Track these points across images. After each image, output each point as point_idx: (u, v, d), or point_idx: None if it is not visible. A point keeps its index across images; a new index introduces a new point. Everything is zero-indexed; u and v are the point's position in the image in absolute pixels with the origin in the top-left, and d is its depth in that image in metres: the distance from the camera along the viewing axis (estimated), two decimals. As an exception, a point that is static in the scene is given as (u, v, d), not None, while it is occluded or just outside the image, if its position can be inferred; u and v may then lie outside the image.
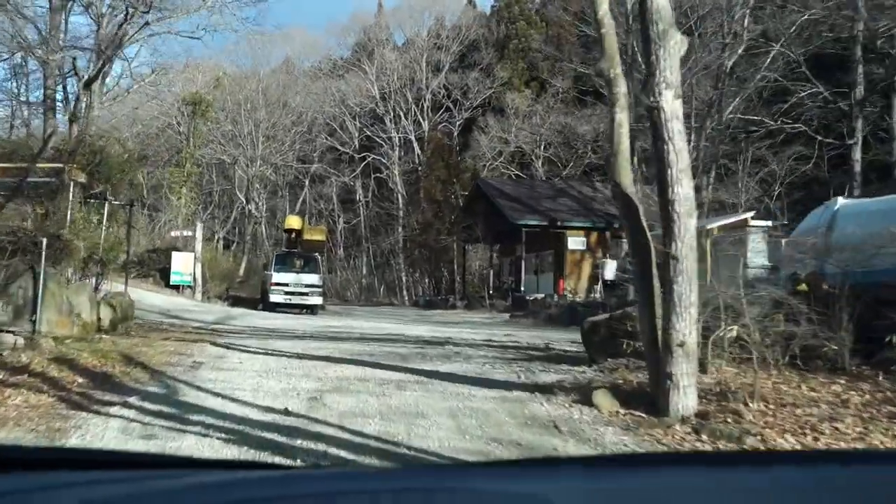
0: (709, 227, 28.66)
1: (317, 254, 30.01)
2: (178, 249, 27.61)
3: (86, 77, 33.86)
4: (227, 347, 12.09)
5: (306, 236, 29.16)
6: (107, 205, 16.56)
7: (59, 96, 38.38)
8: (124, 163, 19.65)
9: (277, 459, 5.59)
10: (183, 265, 26.05)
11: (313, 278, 29.03)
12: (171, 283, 26.22)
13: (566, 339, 17.14)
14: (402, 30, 63.77)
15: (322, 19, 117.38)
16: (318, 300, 28.95)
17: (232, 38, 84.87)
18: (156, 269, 26.66)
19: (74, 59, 34.52)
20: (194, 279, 26.17)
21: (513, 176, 51.29)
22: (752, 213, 29.26)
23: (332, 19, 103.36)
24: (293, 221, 30.46)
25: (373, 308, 39.79)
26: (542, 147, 55.86)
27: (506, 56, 61.12)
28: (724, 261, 29.73)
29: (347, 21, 67.84)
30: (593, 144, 53.86)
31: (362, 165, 58.33)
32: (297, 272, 29.21)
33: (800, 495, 1.38)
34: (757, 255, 28.54)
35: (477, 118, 57.19)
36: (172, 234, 29.73)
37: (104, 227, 16.09)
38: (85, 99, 34.86)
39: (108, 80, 46.25)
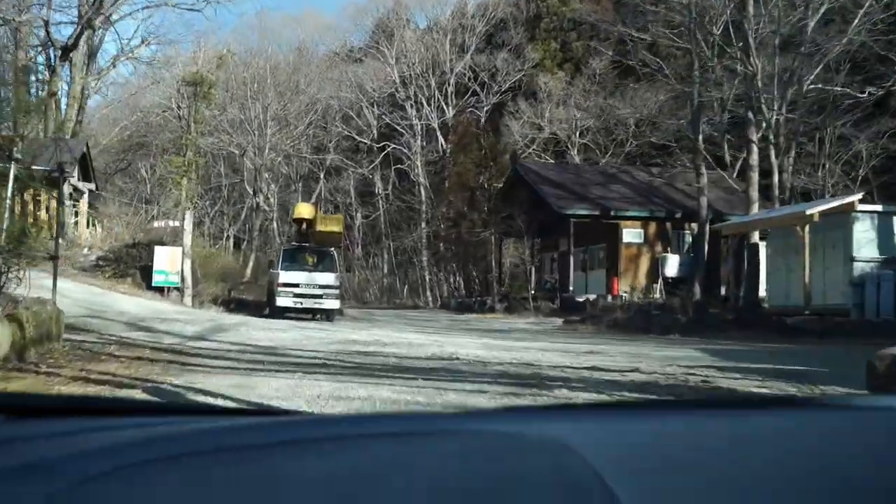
0: (808, 212, 23.59)
1: (332, 248, 25.11)
2: (163, 243, 22.79)
3: (64, 45, 29.11)
4: (174, 391, 7.17)
5: (320, 227, 24.18)
6: (12, 169, 11.40)
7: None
8: (37, 102, 14.60)
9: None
10: (168, 262, 21.20)
11: (328, 278, 24.14)
12: (153, 285, 21.40)
13: (690, 361, 12.21)
14: (423, 10, 58.76)
15: (336, 2, 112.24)
16: (334, 304, 24.08)
17: (238, 15, 79.59)
18: (135, 267, 21.87)
19: (47, 21, 30.00)
20: (182, 279, 21.32)
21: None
22: (859, 196, 24.17)
23: (347, 2, 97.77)
24: (303, 210, 25.44)
25: (396, 312, 34.86)
26: (579, 133, 51.00)
27: (537, 36, 56.17)
28: (828, 252, 24.73)
29: (365, 1, 62.59)
30: (635, 130, 49.00)
31: (382, 156, 53.45)
32: (310, 270, 24.34)
33: (833, 439, 1.32)
34: (866, 245, 23.52)
35: (506, 103, 52.37)
36: (156, 224, 24.84)
37: (6, 203, 11.09)
38: (61, 69, 30.17)
39: (98, 57, 41.74)
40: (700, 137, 31.57)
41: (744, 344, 17.78)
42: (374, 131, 53.73)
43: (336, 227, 24.53)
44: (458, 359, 11.47)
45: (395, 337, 16.42)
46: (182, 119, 43.80)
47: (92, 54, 38.18)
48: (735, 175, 37.43)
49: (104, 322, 16.07)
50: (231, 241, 57.98)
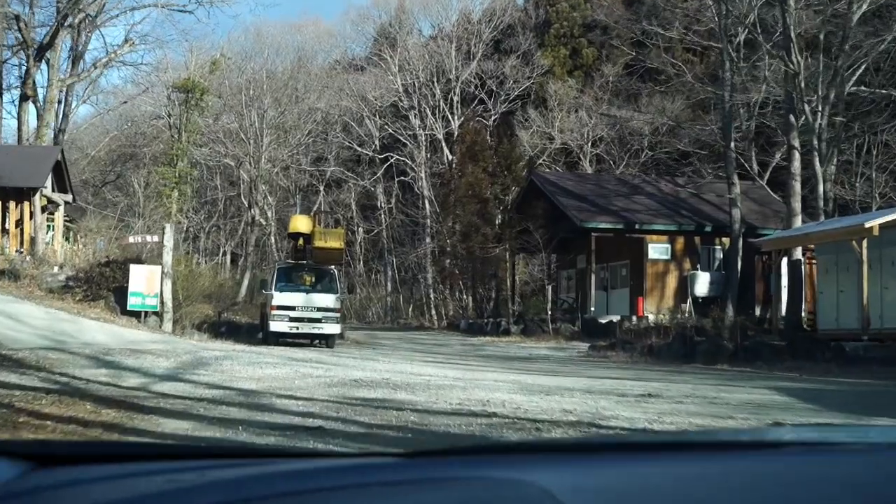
0: (867, 224, 21.00)
1: (332, 267, 22.47)
2: (140, 261, 20.12)
3: (38, 45, 26.65)
4: None
5: (318, 243, 21.51)
6: None
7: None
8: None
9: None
10: (146, 283, 18.52)
11: (328, 299, 21.51)
12: (128, 309, 18.74)
13: (780, 408, 9.68)
14: (428, 15, 56.31)
15: (338, 7, 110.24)
16: (334, 328, 21.45)
17: (233, 17, 77.10)
18: (109, 288, 19.22)
19: (18, 16, 27.46)
20: (161, 302, 18.65)
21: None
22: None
23: (349, 6, 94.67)
24: (300, 223, 22.73)
25: (402, 334, 32.22)
26: (591, 144, 48.53)
27: (546, 42, 53.82)
28: (886, 270, 22.11)
29: (366, 6, 60.18)
30: (651, 139, 46.55)
31: (384, 167, 50.88)
32: (307, 291, 21.72)
33: (813, 486, 1.30)
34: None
35: (515, 111, 49.94)
36: (130, 239, 22.12)
37: None
38: (35, 70, 27.67)
39: (83, 61, 39.23)
40: (732, 144, 29.02)
41: (813, 379, 15.19)
42: (377, 142, 51.19)
43: (336, 243, 21.82)
44: (495, 414, 8.86)
45: (408, 373, 13.79)
46: (173, 128, 41.39)
47: (77, 58, 35.74)
48: (764, 185, 34.95)
49: (62, 357, 13.49)
50: (228, 257, 55.33)
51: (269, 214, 47.62)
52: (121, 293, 19.06)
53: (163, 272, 18.69)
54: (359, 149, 51.03)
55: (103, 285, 19.27)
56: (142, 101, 44.85)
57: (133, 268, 18.85)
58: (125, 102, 44.71)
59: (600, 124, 47.78)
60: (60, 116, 36.82)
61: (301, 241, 22.56)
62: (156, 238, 20.15)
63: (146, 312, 18.97)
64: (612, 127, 47.42)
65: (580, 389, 11.88)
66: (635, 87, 45.99)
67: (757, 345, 19.86)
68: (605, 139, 48.04)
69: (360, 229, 52.42)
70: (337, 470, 1.29)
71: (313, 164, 50.53)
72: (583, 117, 48.05)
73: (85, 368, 12.42)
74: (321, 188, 51.20)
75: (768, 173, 35.40)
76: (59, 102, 37.17)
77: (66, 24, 29.09)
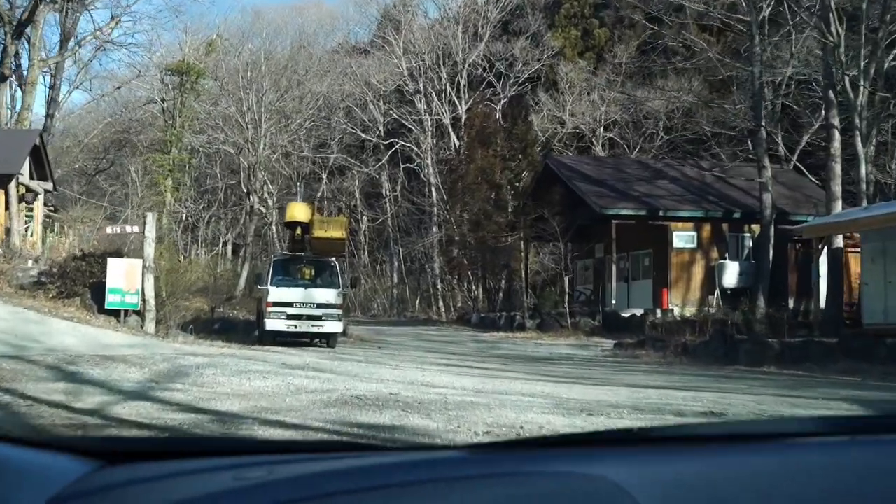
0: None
1: (334, 259, 20.50)
2: (119, 255, 18.16)
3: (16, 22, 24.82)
4: None
5: (318, 233, 19.51)
6: None
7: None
8: None
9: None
10: (125, 279, 16.54)
11: (329, 294, 19.56)
12: (106, 308, 16.81)
13: None
14: (433, -3, 54.10)
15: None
16: (336, 327, 19.51)
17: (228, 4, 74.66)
18: (86, 284, 17.30)
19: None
20: (143, 300, 16.71)
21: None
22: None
23: None
24: (298, 211, 20.64)
25: (409, 329, 30.28)
26: (604, 128, 46.54)
27: (557, 23, 51.70)
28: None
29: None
30: (666, 122, 44.52)
31: (389, 154, 48.89)
32: (306, 286, 19.78)
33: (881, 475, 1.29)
34: None
35: (525, 94, 47.88)
36: (108, 230, 20.05)
37: None
38: (14, 49, 25.75)
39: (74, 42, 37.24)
40: (763, 123, 27.00)
41: (883, 385, 13.30)
42: (381, 128, 49.18)
43: (338, 233, 19.76)
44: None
45: (419, 383, 11.90)
46: (167, 112, 39.43)
47: (65, 40, 33.78)
48: (790, 168, 33.02)
49: (17, 367, 11.64)
50: (229, 247, 53.39)
51: (270, 203, 45.67)
52: (99, 290, 17.12)
53: (144, 266, 16.73)
54: (363, 135, 49.05)
55: (79, 281, 17.34)
56: (136, 87, 42.87)
57: (111, 262, 16.86)
58: (119, 87, 42.75)
59: (613, 107, 45.81)
60: (50, 101, 34.93)
61: (299, 231, 20.56)
62: (136, 228, 18.20)
63: (126, 311, 17.04)
64: (627, 110, 45.44)
65: (626, 406, 9.97)
66: (650, 67, 44.07)
67: (805, 343, 17.91)
68: (619, 122, 46.07)
69: (365, 218, 50.51)
70: (407, 465, 1.28)
71: (315, 151, 48.52)
72: (595, 100, 46.13)
73: (40, 382, 10.57)
74: (324, 176, 49.26)
75: (795, 156, 33.41)
76: (51, 87, 35.31)
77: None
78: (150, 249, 16.80)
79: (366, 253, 50.38)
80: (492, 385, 12.09)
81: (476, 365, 16.22)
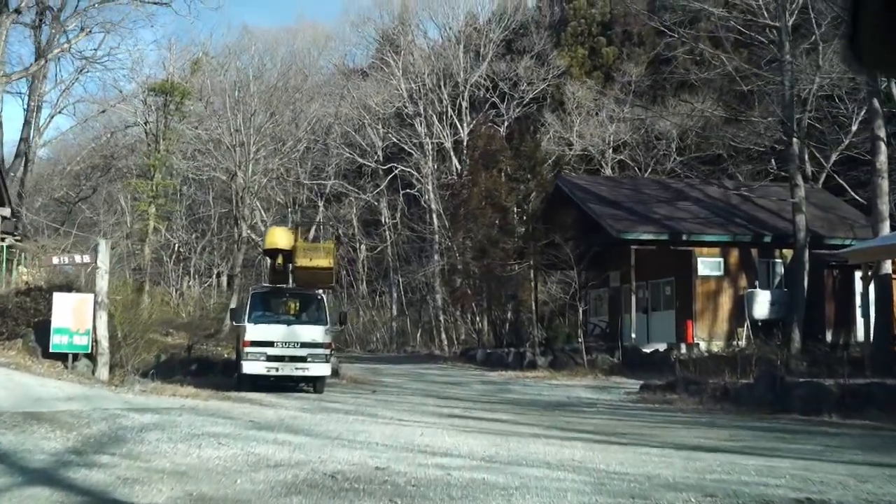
0: None
1: (320, 291, 18.03)
2: (69, 288, 15.70)
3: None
4: None
5: (302, 261, 17.09)
6: None
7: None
8: None
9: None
10: (73, 316, 14.04)
11: (315, 332, 17.08)
12: (51, 350, 14.33)
13: None
14: (433, 15, 52.00)
15: (336, 10, 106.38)
16: (323, 369, 16.99)
17: (215, 8, 72.62)
18: (30, 324, 14.86)
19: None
20: (95, 342, 14.23)
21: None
22: None
23: (348, 6, 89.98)
24: (278, 237, 18.17)
25: (409, 366, 27.77)
26: (613, 149, 44.27)
27: (563, 41, 49.61)
28: None
29: (367, 7, 55.74)
30: (679, 143, 42.27)
31: (388, 179, 46.56)
32: (288, 323, 17.32)
33: None
34: None
35: (531, 115, 45.69)
36: (54, 260, 17.57)
37: None
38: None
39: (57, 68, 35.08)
40: (795, 138, 24.63)
41: None
42: (380, 152, 46.86)
43: (324, 261, 17.30)
44: None
45: (416, 450, 9.41)
46: (150, 135, 37.10)
47: (40, 56, 31.54)
48: (820, 187, 30.67)
49: None
50: (224, 278, 50.86)
51: (263, 231, 43.17)
52: (44, 330, 14.64)
53: (96, 301, 14.28)
54: (360, 160, 46.70)
55: (21, 320, 14.90)
56: (121, 110, 40.59)
57: (57, 297, 14.39)
58: (104, 111, 40.49)
59: (623, 127, 43.60)
60: (25, 123, 32.77)
61: (281, 260, 18.09)
62: (87, 258, 15.74)
63: (76, 355, 14.56)
64: (637, 130, 43.24)
65: (689, 486, 7.48)
66: (661, 84, 41.91)
67: (866, 386, 15.38)
68: (630, 143, 43.81)
69: (363, 246, 48.06)
70: None
71: (311, 177, 46.13)
72: (603, 119, 43.94)
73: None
74: (320, 203, 46.85)
75: (824, 175, 31.08)
76: (27, 109, 33.15)
77: (9, 9, 25.00)
78: (102, 282, 14.34)
79: (364, 283, 47.92)
80: (507, 449, 9.61)
81: (485, 416, 13.73)
